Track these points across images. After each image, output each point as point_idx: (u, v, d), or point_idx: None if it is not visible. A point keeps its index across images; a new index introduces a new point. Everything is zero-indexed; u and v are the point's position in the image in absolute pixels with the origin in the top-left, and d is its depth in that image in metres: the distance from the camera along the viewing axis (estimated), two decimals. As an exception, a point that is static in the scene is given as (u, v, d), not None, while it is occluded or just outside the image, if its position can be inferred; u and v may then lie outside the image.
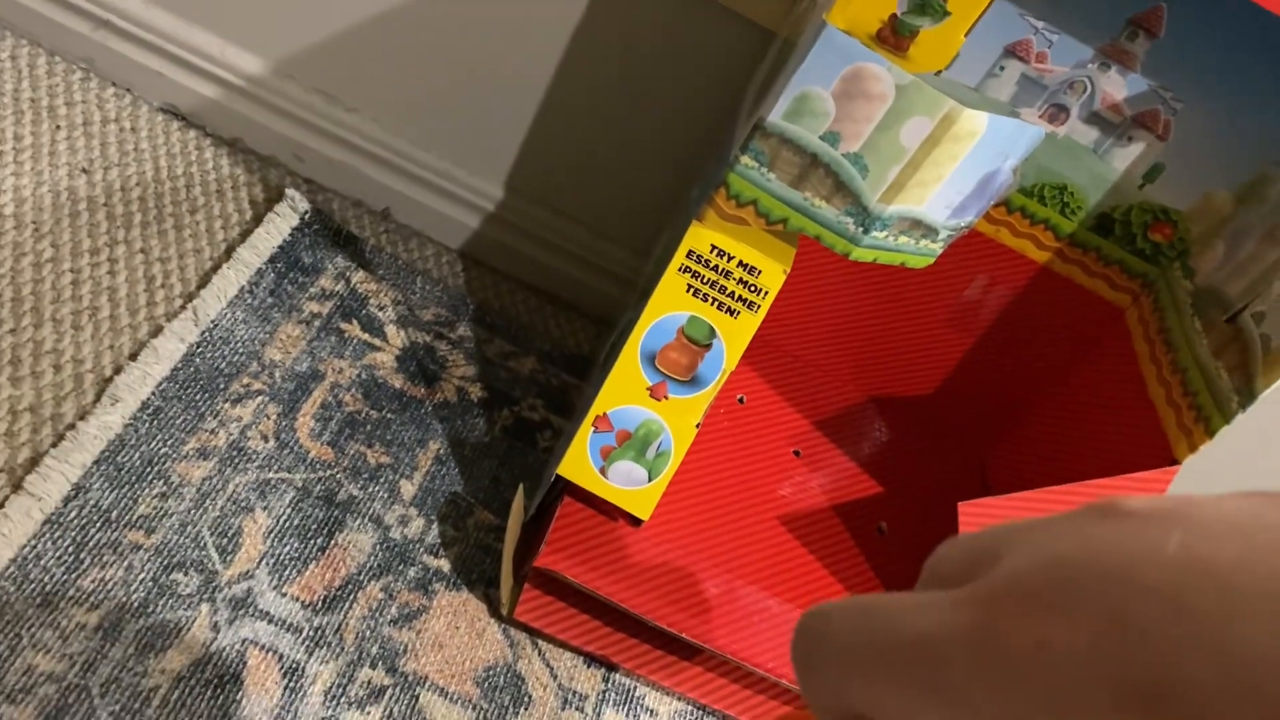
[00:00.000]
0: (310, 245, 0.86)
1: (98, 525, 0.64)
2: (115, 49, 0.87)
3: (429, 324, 0.87)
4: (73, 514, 0.64)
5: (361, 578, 0.69)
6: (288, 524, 0.69)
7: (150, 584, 0.63)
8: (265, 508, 0.69)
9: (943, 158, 0.52)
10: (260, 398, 0.74)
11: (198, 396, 0.72)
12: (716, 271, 0.60)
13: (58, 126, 0.84)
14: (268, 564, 0.67)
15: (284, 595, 0.66)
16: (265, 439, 0.73)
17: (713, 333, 0.61)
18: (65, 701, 0.57)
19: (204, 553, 0.66)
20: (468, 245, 0.94)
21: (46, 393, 0.68)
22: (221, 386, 0.74)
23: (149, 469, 0.67)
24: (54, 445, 0.66)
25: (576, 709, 0.70)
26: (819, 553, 0.74)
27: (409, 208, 0.92)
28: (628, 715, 0.72)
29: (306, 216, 0.88)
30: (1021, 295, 0.77)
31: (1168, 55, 0.64)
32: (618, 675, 0.73)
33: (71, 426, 0.67)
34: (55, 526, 0.63)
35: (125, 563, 0.63)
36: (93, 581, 0.62)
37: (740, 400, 0.81)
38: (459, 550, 0.74)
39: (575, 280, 0.94)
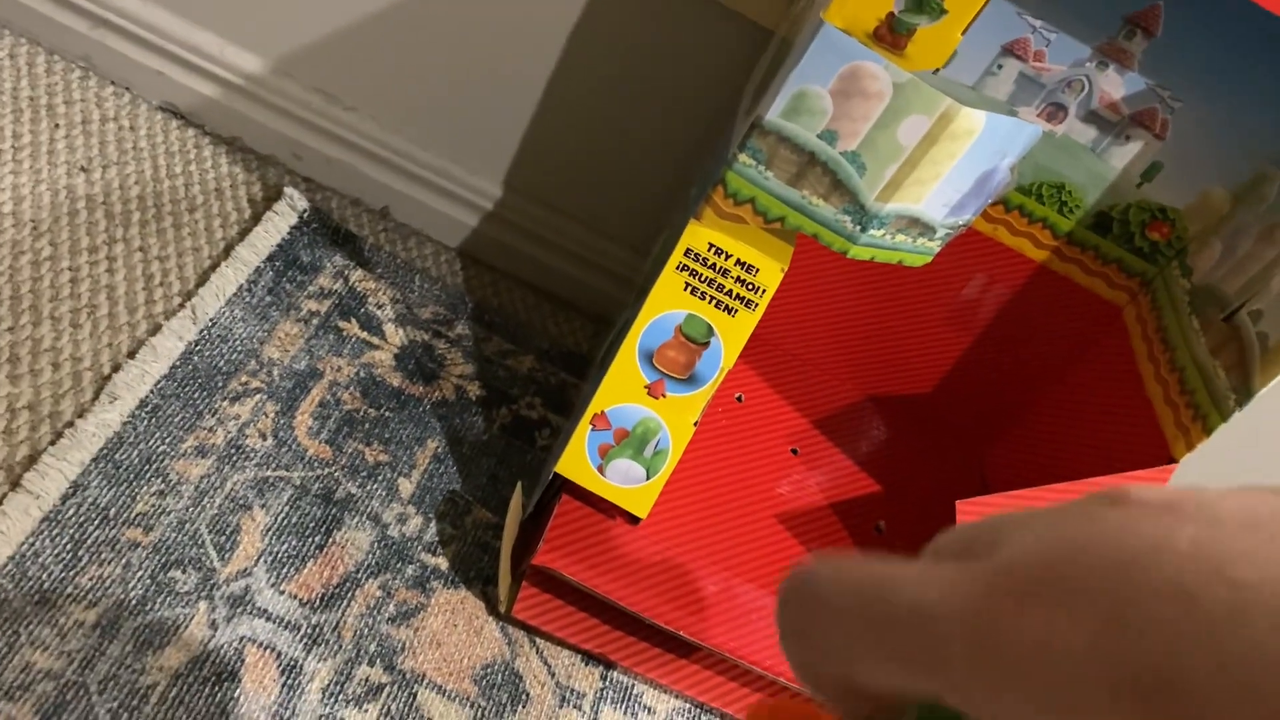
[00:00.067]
0: (309, 244, 0.86)
1: (96, 523, 0.64)
2: (114, 47, 0.87)
3: (427, 322, 0.87)
4: (71, 512, 0.64)
5: (359, 575, 0.69)
6: (286, 522, 0.69)
7: (148, 581, 0.63)
8: (263, 505, 0.70)
9: (940, 156, 0.52)
10: (258, 396, 0.75)
11: (196, 394, 0.72)
12: (714, 270, 0.60)
13: (56, 125, 0.84)
14: (266, 562, 0.67)
15: (282, 593, 0.66)
16: (263, 437, 0.73)
17: (711, 331, 0.61)
18: (63, 698, 0.57)
19: (202, 550, 0.66)
20: (466, 244, 0.94)
21: (45, 390, 0.68)
22: (220, 384, 0.74)
23: (147, 467, 0.67)
24: (52, 443, 0.66)
25: (574, 707, 0.70)
26: (817, 551, 0.74)
27: (407, 206, 0.92)
28: (626, 713, 0.72)
29: (305, 215, 0.88)
30: (1019, 294, 0.77)
31: (1165, 54, 0.64)
32: (616, 673, 0.73)
33: (70, 424, 0.67)
34: (53, 524, 0.63)
35: (123, 560, 0.63)
36: (91, 579, 0.62)
37: (738, 399, 0.81)
38: (457, 548, 0.74)
39: (573, 279, 0.94)
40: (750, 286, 0.60)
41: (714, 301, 0.61)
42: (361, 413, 0.78)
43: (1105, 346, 0.76)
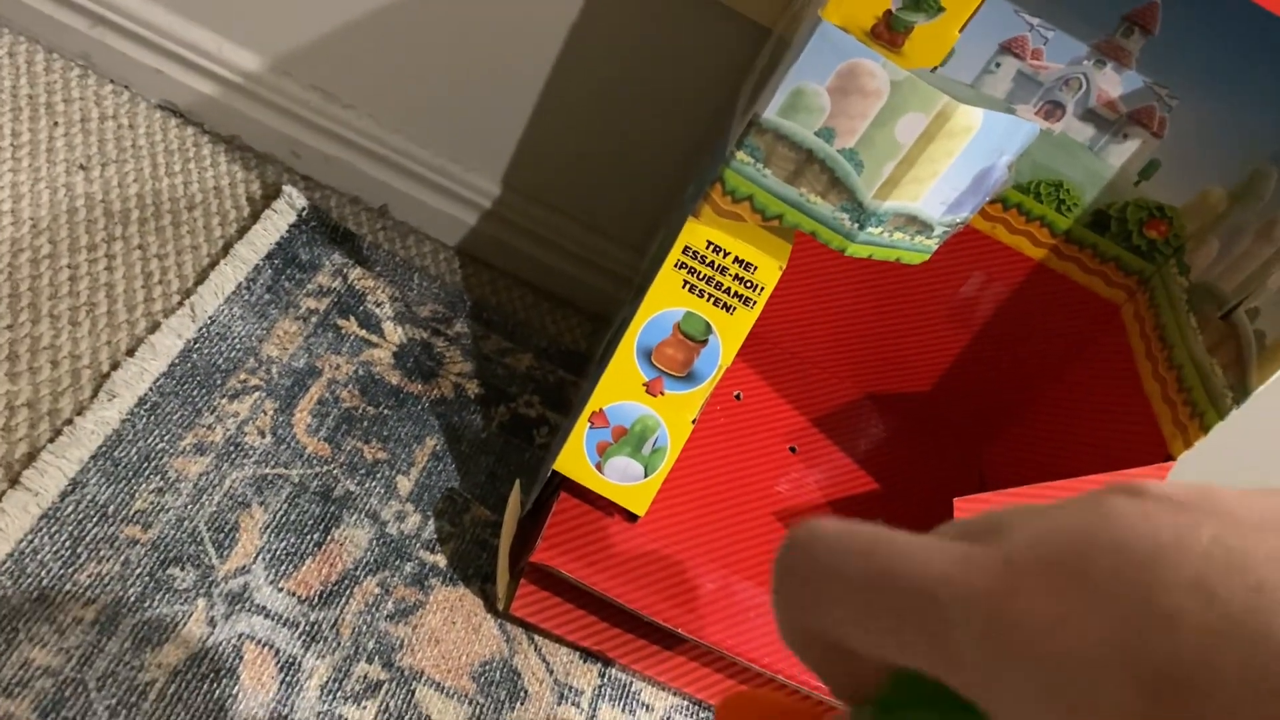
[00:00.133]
0: (307, 242, 0.86)
1: (94, 520, 0.64)
2: (113, 46, 0.87)
3: (426, 320, 0.87)
4: (70, 509, 0.64)
5: (358, 573, 0.69)
6: (284, 519, 0.70)
7: (147, 579, 0.63)
8: (262, 503, 0.70)
9: (938, 154, 0.52)
10: (257, 393, 0.75)
11: (195, 392, 0.72)
12: (712, 267, 0.60)
13: (55, 123, 0.84)
14: (264, 559, 0.67)
15: (280, 590, 0.66)
16: (262, 435, 0.73)
17: (709, 329, 0.62)
18: (62, 695, 0.57)
19: (201, 548, 0.66)
20: (465, 242, 0.94)
21: (44, 388, 0.68)
22: (219, 382, 0.74)
23: (146, 464, 0.68)
24: (51, 440, 0.66)
25: (573, 704, 0.70)
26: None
27: (406, 205, 0.93)
28: (624, 710, 0.72)
29: (304, 213, 0.88)
30: (1017, 292, 0.78)
31: (1163, 52, 0.64)
32: (614, 670, 0.73)
33: (69, 422, 0.67)
34: (52, 521, 0.63)
35: (122, 557, 0.63)
36: (89, 576, 0.62)
37: (737, 397, 0.81)
38: (455, 546, 0.74)
39: (572, 277, 0.94)
40: (748, 284, 0.60)
41: (712, 299, 0.61)
42: (360, 410, 0.78)
43: (1103, 344, 0.76)
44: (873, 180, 0.53)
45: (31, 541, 0.62)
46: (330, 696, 0.64)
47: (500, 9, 0.80)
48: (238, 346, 0.76)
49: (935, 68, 0.54)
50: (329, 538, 0.70)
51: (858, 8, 0.51)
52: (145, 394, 0.71)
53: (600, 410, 0.64)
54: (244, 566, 0.66)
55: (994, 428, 0.85)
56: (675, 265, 0.60)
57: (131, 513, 0.65)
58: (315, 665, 0.64)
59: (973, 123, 0.51)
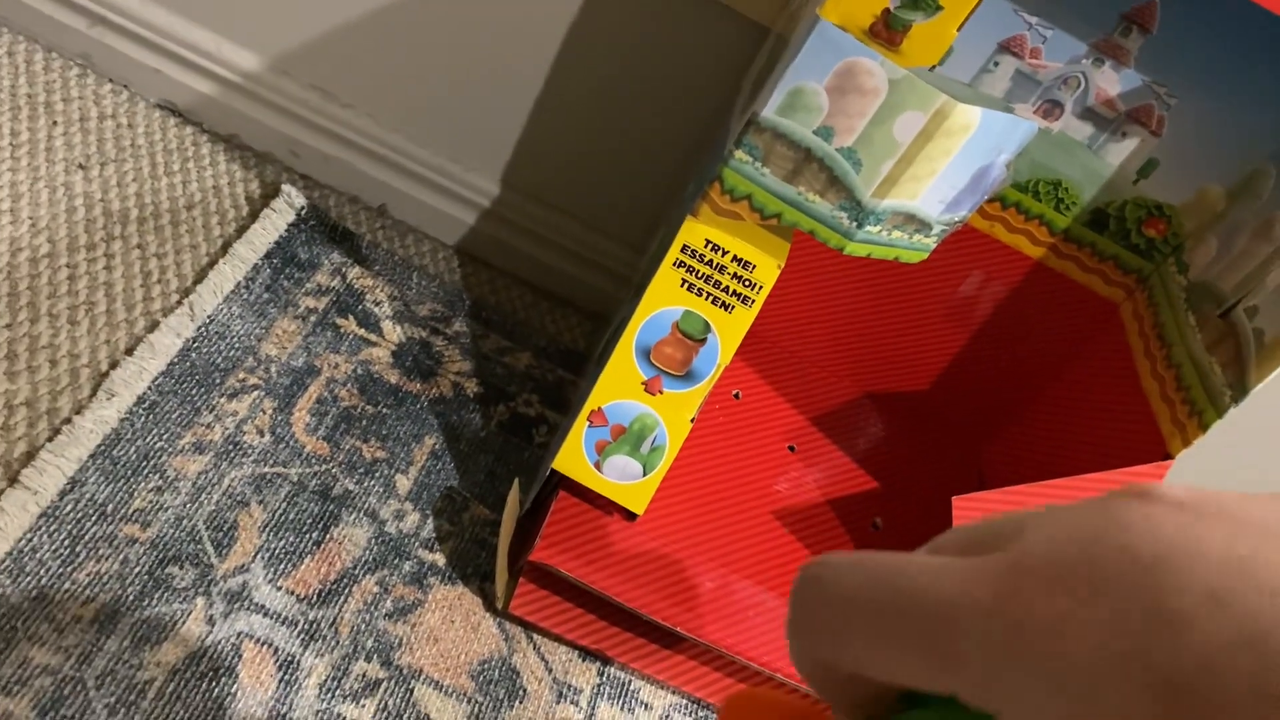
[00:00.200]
0: (306, 241, 0.86)
1: (93, 519, 0.64)
2: (112, 45, 0.87)
3: (425, 319, 0.87)
4: (68, 508, 0.64)
5: (357, 572, 0.70)
6: (283, 518, 0.70)
7: (146, 577, 0.63)
8: (261, 502, 0.70)
9: (936, 152, 0.52)
10: (256, 393, 0.75)
11: (193, 391, 0.72)
12: (711, 266, 0.60)
13: (54, 122, 0.84)
14: (263, 558, 0.67)
15: (279, 589, 0.66)
16: (261, 434, 0.73)
17: (707, 327, 0.62)
18: (61, 694, 0.57)
19: (199, 546, 0.66)
20: (464, 241, 0.94)
21: (42, 387, 0.68)
22: (217, 381, 0.74)
23: (145, 463, 0.68)
24: (50, 440, 0.66)
25: (571, 702, 0.70)
26: (814, 548, 0.74)
27: (405, 204, 0.93)
28: (622, 709, 0.72)
29: (303, 212, 0.88)
30: (1016, 291, 0.78)
31: (1162, 51, 0.64)
32: (612, 669, 0.73)
33: (67, 421, 0.67)
34: (51, 520, 0.63)
35: (121, 556, 0.63)
36: (88, 575, 0.62)
37: (736, 396, 0.81)
38: (454, 545, 0.74)
39: (571, 276, 0.94)
40: (747, 283, 0.60)
41: (711, 298, 0.61)
42: (359, 409, 0.78)
43: (1102, 343, 0.76)
44: (871, 179, 0.53)
45: (30, 540, 0.62)
46: (329, 695, 0.64)
47: (499, 8, 0.80)
48: (236, 345, 0.76)
49: (933, 66, 0.54)
50: (328, 536, 0.70)
51: (856, 6, 0.51)
52: (144, 393, 0.71)
53: (599, 409, 0.64)
54: (243, 565, 0.66)
55: (993, 426, 0.85)
56: (674, 264, 0.60)
57: (130, 511, 0.65)
58: (314, 664, 0.64)
59: (971, 121, 0.51)
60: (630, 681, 0.73)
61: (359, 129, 0.89)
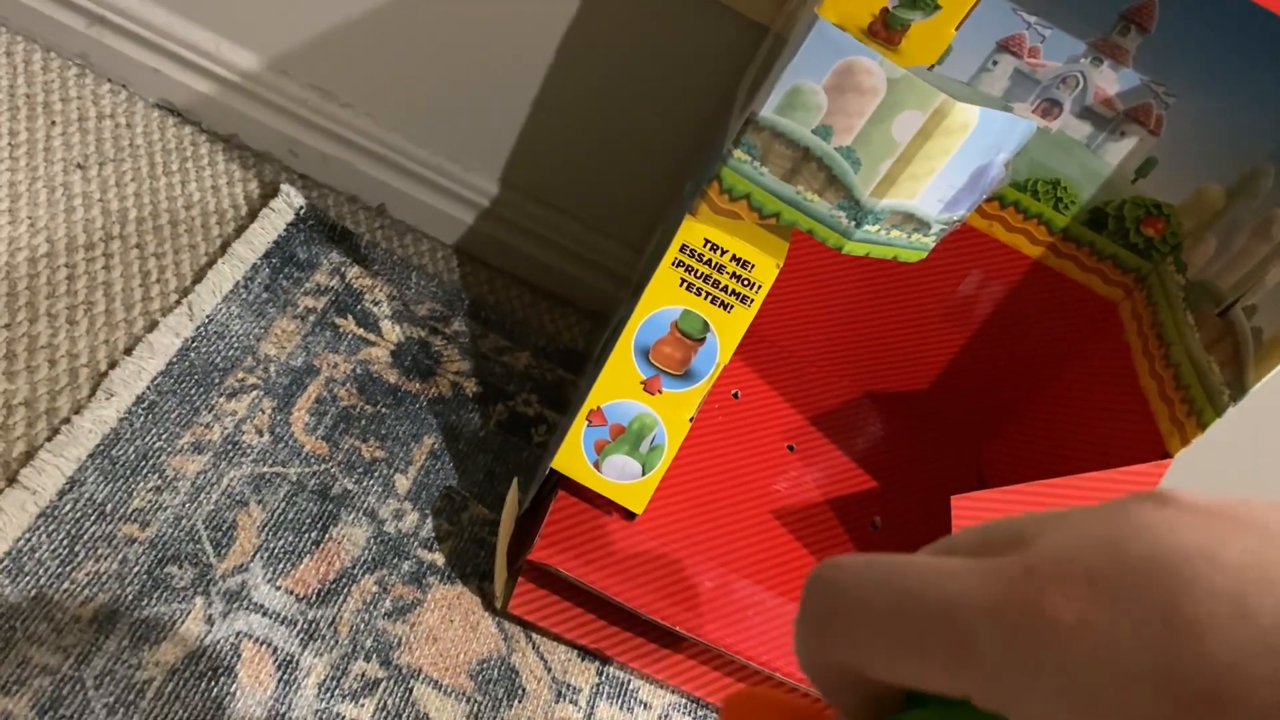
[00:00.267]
0: (305, 241, 0.86)
1: (92, 519, 0.64)
2: (111, 45, 0.87)
3: (424, 319, 0.87)
4: (67, 507, 0.64)
5: (356, 571, 0.70)
6: (282, 518, 0.70)
7: (144, 577, 0.63)
8: (260, 501, 0.70)
9: (935, 151, 0.52)
10: (255, 392, 0.75)
11: (192, 391, 0.72)
12: (710, 266, 0.60)
13: (53, 122, 0.84)
14: (262, 557, 0.67)
15: (278, 588, 0.66)
16: (260, 433, 0.73)
17: (706, 327, 0.62)
18: (60, 693, 0.57)
19: (198, 546, 0.66)
20: (463, 241, 0.94)
21: (41, 387, 0.68)
22: (216, 381, 0.74)
23: (143, 463, 0.68)
24: (49, 439, 0.66)
25: (570, 702, 0.70)
26: (813, 547, 0.74)
27: (404, 203, 0.93)
28: (621, 708, 0.72)
29: (301, 212, 0.88)
30: (1015, 290, 0.78)
31: (1160, 50, 0.64)
32: (611, 668, 0.73)
33: (66, 420, 0.67)
34: (50, 520, 0.63)
35: (119, 556, 0.63)
36: (87, 575, 0.62)
37: (735, 395, 0.81)
38: (453, 544, 0.74)
39: (570, 276, 0.94)
40: (746, 282, 0.60)
41: (709, 297, 0.61)
42: (358, 409, 0.78)
43: (1100, 342, 0.76)
44: (870, 178, 0.53)
45: (29, 540, 0.62)
46: (328, 694, 0.64)
47: (498, 8, 0.80)
48: (235, 345, 0.76)
49: (932, 65, 0.54)
50: (327, 536, 0.70)
51: (854, 5, 0.51)
52: (143, 393, 0.71)
53: (598, 408, 0.64)
54: (242, 565, 0.66)
55: (992, 426, 0.85)
56: (673, 263, 0.60)
57: (129, 511, 0.65)
58: (313, 663, 0.64)
59: (969, 120, 0.51)
60: (629, 681, 0.73)
61: (358, 128, 0.89)
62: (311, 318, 0.81)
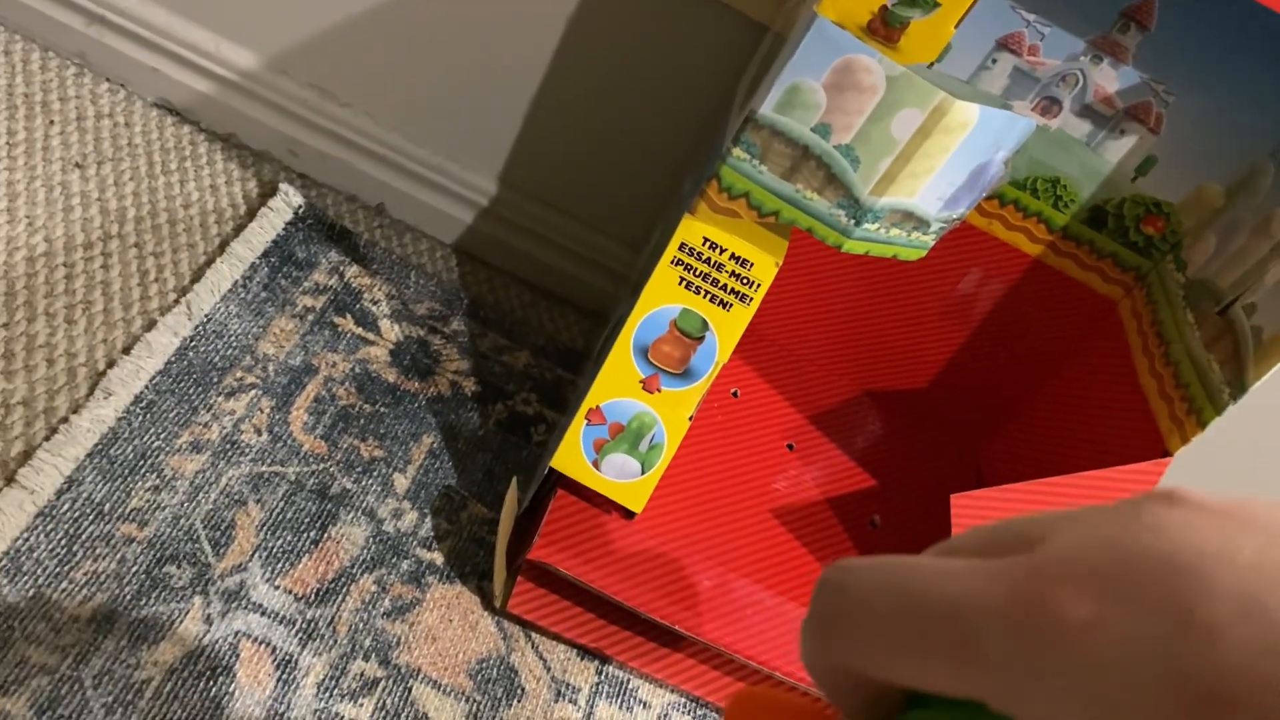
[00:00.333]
0: (304, 240, 0.86)
1: (90, 518, 0.64)
2: (109, 44, 0.87)
3: (423, 318, 0.87)
4: (65, 507, 0.64)
5: (354, 571, 0.69)
6: (281, 517, 0.69)
7: (143, 576, 0.63)
8: (258, 501, 0.70)
9: (934, 149, 0.52)
10: (253, 391, 0.75)
11: (191, 390, 0.72)
12: (709, 264, 0.60)
13: (51, 122, 0.84)
14: (260, 557, 0.67)
15: (277, 588, 0.66)
16: (258, 432, 0.73)
17: (705, 325, 0.61)
18: (58, 693, 0.57)
19: (197, 545, 0.66)
20: (462, 240, 0.94)
21: (39, 386, 0.68)
22: (215, 380, 0.74)
23: (142, 462, 0.67)
24: (47, 439, 0.66)
25: (570, 701, 0.70)
26: (812, 546, 0.74)
27: (403, 203, 0.92)
28: (621, 707, 0.72)
29: (300, 211, 0.88)
30: (1015, 289, 0.77)
31: (1160, 48, 0.64)
32: (611, 667, 0.73)
33: (64, 420, 0.67)
34: (48, 519, 0.63)
35: (118, 555, 0.63)
36: (85, 574, 0.62)
37: (734, 394, 0.81)
38: (452, 543, 0.74)
39: (569, 275, 0.94)
40: (745, 281, 0.60)
41: (708, 296, 0.61)
42: (357, 408, 0.78)
43: (1100, 341, 0.76)
44: (869, 176, 0.53)
45: (27, 540, 0.61)
46: (327, 694, 0.64)
47: (497, 7, 0.80)
48: (234, 344, 0.76)
49: (931, 63, 0.54)
50: (326, 535, 0.70)
51: (853, 3, 0.51)
52: (141, 392, 0.70)
53: (597, 407, 0.64)
54: (240, 564, 0.66)
55: (991, 424, 0.85)
56: (672, 262, 0.60)
57: (128, 511, 0.65)
58: (312, 663, 0.64)
59: (969, 118, 0.51)
60: (629, 680, 0.73)
61: (357, 128, 0.89)
62: (310, 317, 0.81)
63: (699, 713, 0.74)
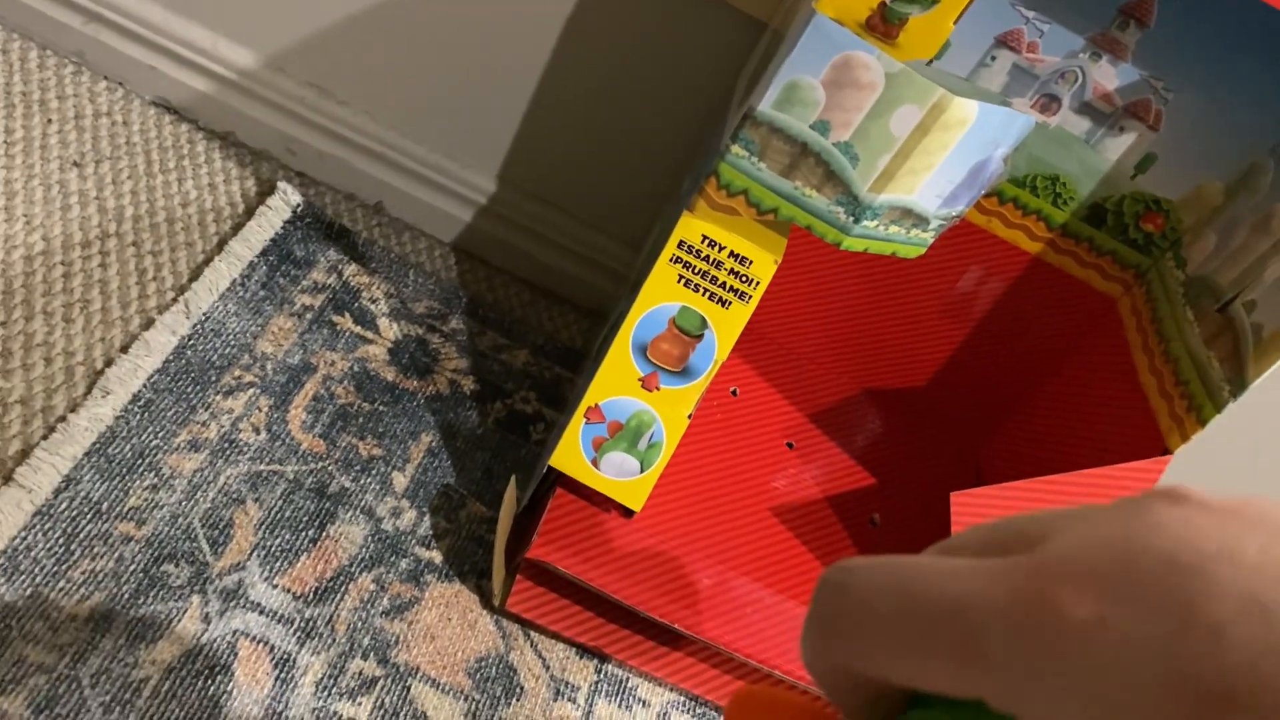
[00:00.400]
0: (302, 238, 0.86)
1: (88, 517, 0.64)
2: (107, 43, 0.87)
3: (421, 317, 0.87)
4: (63, 506, 0.63)
5: (353, 569, 0.69)
6: (279, 516, 0.69)
7: (141, 575, 0.63)
8: (256, 499, 0.69)
9: (933, 146, 0.52)
10: (252, 390, 0.74)
11: (189, 389, 0.72)
12: (708, 262, 0.60)
13: (49, 120, 0.84)
14: (259, 556, 0.67)
15: (275, 587, 0.66)
16: (257, 431, 0.73)
17: (704, 323, 0.61)
18: (56, 692, 0.57)
19: (195, 544, 0.66)
20: (460, 239, 0.94)
21: (37, 385, 0.68)
22: (213, 379, 0.74)
23: (140, 461, 0.67)
24: (44, 437, 0.66)
25: (569, 700, 0.70)
26: (812, 544, 0.74)
27: (402, 201, 0.92)
28: (620, 706, 0.72)
29: (299, 210, 0.87)
30: (1014, 286, 0.77)
31: (1159, 45, 0.64)
32: (610, 666, 0.73)
33: (62, 419, 0.67)
34: (46, 518, 0.63)
35: (116, 554, 0.63)
36: (83, 573, 0.62)
37: (733, 392, 0.81)
38: (451, 542, 0.74)
39: (568, 273, 0.94)
40: (744, 278, 0.60)
41: (707, 294, 0.60)
42: (355, 407, 0.77)
43: (1100, 339, 0.76)
44: (868, 173, 0.53)
45: (25, 539, 0.61)
46: (325, 693, 0.63)
47: (495, 5, 0.80)
48: (232, 343, 0.76)
49: (930, 60, 0.54)
50: (324, 534, 0.70)
51: (852, 0, 0.51)
52: (139, 391, 0.70)
53: (596, 406, 0.64)
54: (238, 563, 0.66)
55: (991, 422, 0.85)
56: (670, 260, 0.60)
57: (125, 509, 0.65)
58: (310, 662, 0.64)
59: (968, 115, 0.51)
60: (628, 679, 0.73)
61: (355, 126, 0.89)
62: (309, 315, 0.81)
63: (698, 711, 0.74)
